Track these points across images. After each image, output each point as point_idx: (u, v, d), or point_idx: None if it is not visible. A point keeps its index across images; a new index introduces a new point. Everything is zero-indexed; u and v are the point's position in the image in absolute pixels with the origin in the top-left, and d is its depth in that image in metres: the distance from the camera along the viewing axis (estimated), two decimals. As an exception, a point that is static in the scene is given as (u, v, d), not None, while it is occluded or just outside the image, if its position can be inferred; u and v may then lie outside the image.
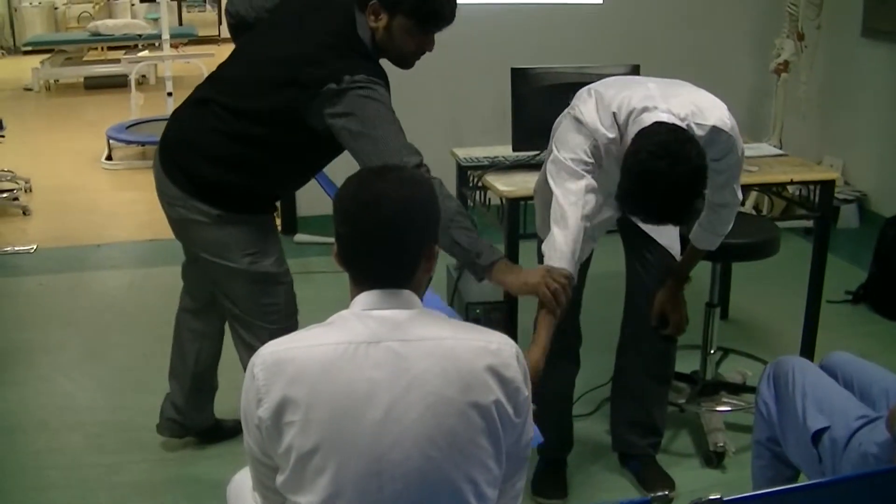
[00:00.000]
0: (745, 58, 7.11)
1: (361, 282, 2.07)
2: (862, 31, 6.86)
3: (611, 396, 3.85)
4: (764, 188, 4.87)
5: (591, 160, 3.05)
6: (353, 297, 2.08)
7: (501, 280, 2.94)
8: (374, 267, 2.05)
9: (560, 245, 2.95)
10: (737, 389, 4.30)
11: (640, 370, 3.65)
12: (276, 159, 3.28)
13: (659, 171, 2.73)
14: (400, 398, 1.93)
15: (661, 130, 2.83)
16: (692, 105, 3.01)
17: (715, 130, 3.01)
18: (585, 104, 3.10)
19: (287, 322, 3.53)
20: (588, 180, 3.02)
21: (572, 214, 2.98)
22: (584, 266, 3.46)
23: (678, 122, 2.91)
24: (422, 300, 2.12)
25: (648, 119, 2.91)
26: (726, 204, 3.26)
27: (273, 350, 2.00)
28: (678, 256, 3.58)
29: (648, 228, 3.51)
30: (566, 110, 3.25)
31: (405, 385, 1.93)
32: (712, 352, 4.26)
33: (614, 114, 3.03)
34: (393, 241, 2.03)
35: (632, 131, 2.93)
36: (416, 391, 1.93)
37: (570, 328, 3.60)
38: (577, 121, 3.08)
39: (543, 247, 3.04)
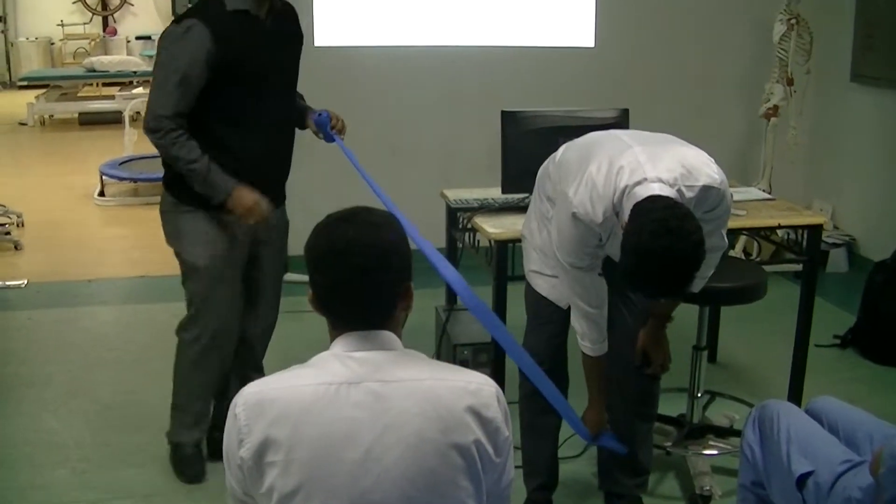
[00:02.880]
0: (734, 102, 7.15)
1: (340, 325, 2.08)
2: (851, 77, 6.92)
3: (598, 437, 3.86)
4: (752, 232, 4.88)
5: (592, 256, 3.17)
6: (332, 339, 2.09)
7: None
8: (352, 312, 2.06)
9: (591, 335, 3.35)
10: (724, 433, 4.29)
11: (625, 409, 3.65)
12: None
13: (660, 249, 2.72)
14: (380, 439, 1.93)
15: (657, 206, 2.82)
16: (680, 167, 3.00)
17: (705, 188, 3.01)
18: (577, 194, 3.07)
19: None
20: (592, 272, 3.24)
21: (590, 307, 3.29)
22: (568, 310, 3.48)
23: (669, 190, 2.91)
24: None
25: (642, 192, 2.90)
26: (713, 248, 3.27)
27: (255, 391, 2.01)
28: (662, 297, 3.59)
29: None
30: (551, 174, 3.36)
31: (385, 425, 1.94)
32: (699, 395, 4.25)
33: (612, 196, 3.01)
34: (368, 287, 2.04)
35: (627, 206, 2.92)
36: (396, 432, 1.94)
37: (558, 371, 3.61)
38: (574, 217, 3.07)
39: (573, 324, 3.39)
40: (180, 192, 3.81)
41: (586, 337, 3.34)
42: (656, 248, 2.72)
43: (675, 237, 2.72)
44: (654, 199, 2.86)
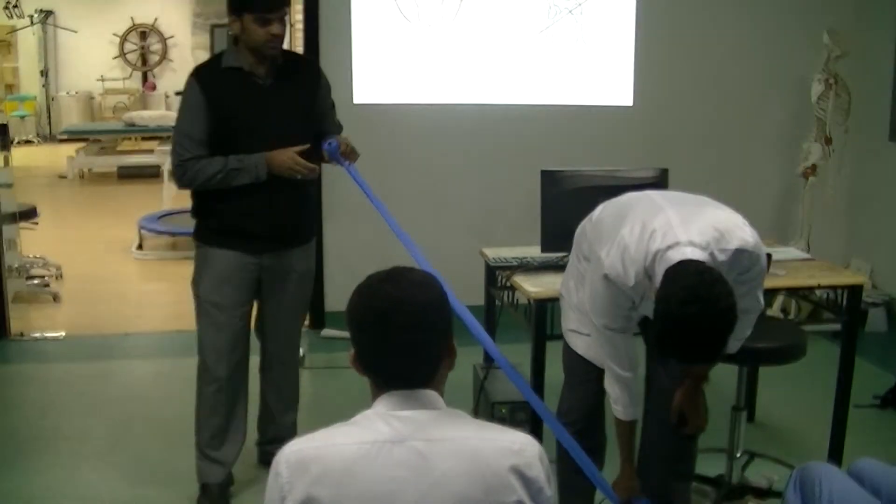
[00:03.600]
0: (772, 161, 7.15)
1: (382, 385, 2.08)
2: (889, 136, 6.90)
3: (635, 497, 3.82)
4: (791, 292, 4.86)
5: (626, 318, 3.20)
6: (374, 398, 2.09)
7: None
8: (396, 372, 2.06)
9: (623, 399, 3.32)
10: (763, 494, 4.24)
11: (663, 467, 3.63)
12: None
13: (690, 317, 2.72)
14: (424, 498, 1.93)
15: (689, 272, 2.82)
16: (713, 230, 3.00)
17: (738, 252, 3.01)
18: (609, 256, 3.10)
19: None
20: (626, 333, 3.25)
21: (622, 370, 3.28)
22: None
23: (701, 253, 2.91)
24: None
25: (674, 256, 2.91)
26: (748, 310, 3.26)
27: (297, 448, 2.01)
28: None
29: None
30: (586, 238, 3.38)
31: (429, 485, 1.94)
32: (738, 455, 4.22)
33: (644, 259, 3.02)
34: (412, 347, 2.04)
35: (659, 270, 2.93)
36: (439, 491, 1.94)
37: (594, 430, 3.62)
38: (606, 279, 3.10)
39: (607, 389, 3.36)
40: (195, 227, 4.22)
41: (619, 401, 3.33)
42: (686, 317, 2.72)
43: (704, 304, 2.72)
44: (685, 265, 2.86)
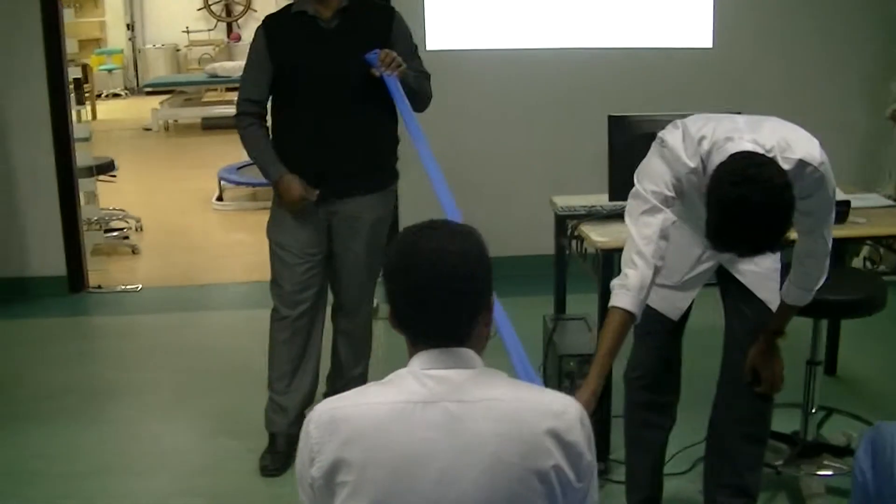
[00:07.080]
0: (858, 104, 6.90)
1: (418, 342, 2.00)
2: (983, 76, 6.64)
3: (704, 455, 3.71)
4: (875, 241, 4.69)
5: (672, 193, 3.01)
6: (410, 356, 2.01)
7: None
8: (432, 326, 1.98)
9: (632, 282, 2.95)
10: (840, 452, 4.12)
11: (733, 429, 3.49)
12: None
13: (741, 198, 2.63)
14: (456, 460, 1.86)
15: (737, 157, 2.76)
16: (780, 138, 2.90)
17: (801, 164, 2.88)
18: (672, 134, 3.05)
19: None
20: (666, 214, 3.00)
21: (647, 251, 2.97)
22: (682, 319, 3.43)
23: (761, 151, 2.82)
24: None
25: (731, 148, 2.84)
26: (814, 253, 3.12)
27: (328, 408, 1.96)
28: (778, 311, 3.44)
29: (748, 282, 3.38)
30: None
31: (461, 447, 1.87)
32: (814, 411, 4.10)
33: (699, 142, 2.96)
34: (451, 298, 1.95)
35: (714, 161, 2.86)
36: (472, 454, 1.87)
37: (664, 384, 3.52)
38: (662, 147, 3.04)
39: (613, 282, 3.02)
40: None
41: (625, 285, 2.96)
42: (736, 198, 2.65)
43: (756, 183, 2.64)
44: (735, 154, 2.80)
